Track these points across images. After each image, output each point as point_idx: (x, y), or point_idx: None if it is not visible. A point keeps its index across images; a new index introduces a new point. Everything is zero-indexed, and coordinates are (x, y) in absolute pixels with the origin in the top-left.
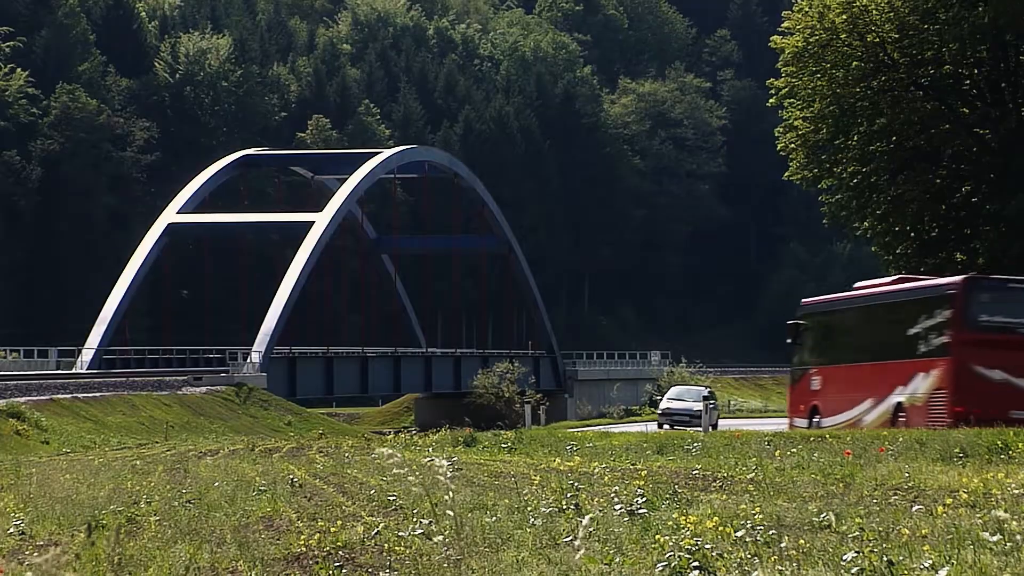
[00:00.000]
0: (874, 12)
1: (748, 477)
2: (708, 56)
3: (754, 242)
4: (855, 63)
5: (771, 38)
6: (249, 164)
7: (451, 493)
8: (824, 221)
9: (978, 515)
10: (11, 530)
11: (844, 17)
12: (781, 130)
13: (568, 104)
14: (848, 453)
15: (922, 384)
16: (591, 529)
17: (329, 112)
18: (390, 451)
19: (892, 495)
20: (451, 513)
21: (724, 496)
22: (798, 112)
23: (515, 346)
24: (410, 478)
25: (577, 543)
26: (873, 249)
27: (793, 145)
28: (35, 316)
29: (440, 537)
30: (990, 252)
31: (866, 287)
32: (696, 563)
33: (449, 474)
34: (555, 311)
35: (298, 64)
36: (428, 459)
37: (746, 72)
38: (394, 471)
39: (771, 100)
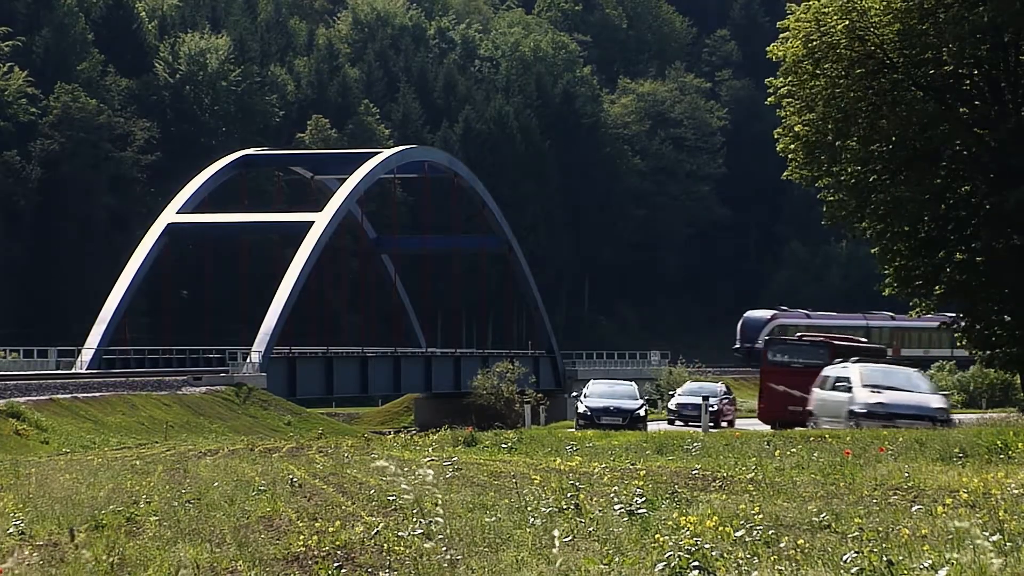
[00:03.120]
0: (872, 14)
1: (748, 477)
2: (708, 56)
3: (754, 242)
4: (855, 67)
5: (768, 47)
6: (249, 164)
7: (439, 500)
8: (823, 221)
9: (978, 515)
10: (11, 530)
11: (843, 22)
12: (781, 131)
13: (568, 104)
14: (848, 453)
15: None
16: (591, 529)
17: (329, 112)
18: (385, 463)
19: (892, 495)
20: (440, 520)
21: (724, 496)
22: (796, 117)
23: (515, 346)
24: (403, 485)
25: (555, 551)
26: (873, 251)
27: (792, 146)
28: (35, 316)
29: (431, 544)
30: (990, 252)
31: None
32: (696, 563)
33: (445, 475)
34: (555, 311)
35: (298, 64)
36: (419, 468)
37: (746, 72)
38: (390, 479)
39: (769, 100)
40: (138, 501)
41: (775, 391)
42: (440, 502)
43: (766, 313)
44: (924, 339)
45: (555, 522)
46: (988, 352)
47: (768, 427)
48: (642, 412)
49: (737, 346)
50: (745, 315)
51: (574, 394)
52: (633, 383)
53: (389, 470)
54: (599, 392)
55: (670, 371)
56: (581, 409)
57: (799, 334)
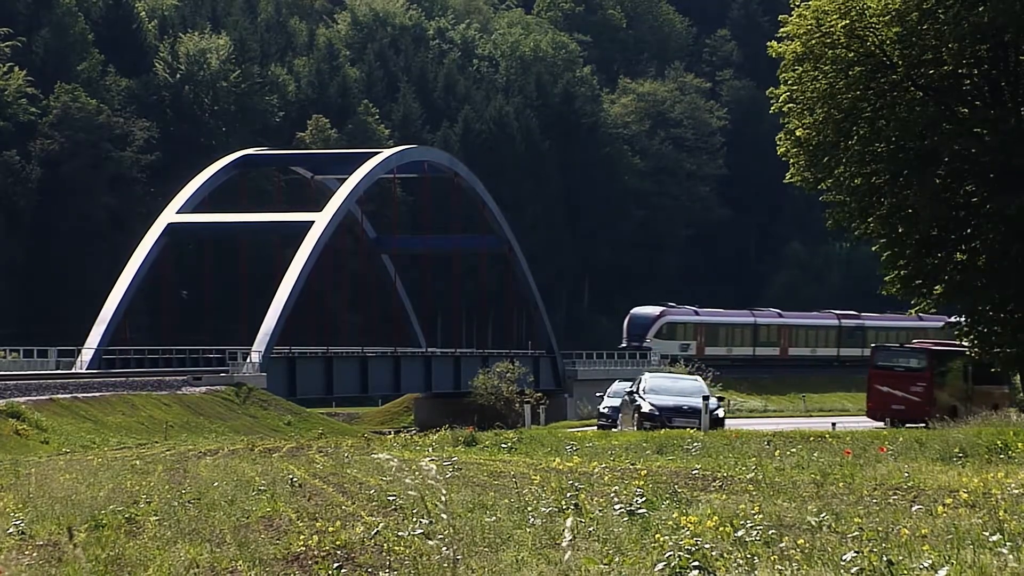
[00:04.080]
0: (872, 15)
1: (748, 477)
2: (708, 56)
3: (754, 242)
4: (854, 66)
5: (768, 43)
6: (249, 164)
7: (444, 496)
8: (828, 223)
9: (978, 515)
10: (11, 530)
11: (843, 22)
12: (782, 136)
13: (568, 104)
14: (848, 453)
15: None
16: (591, 529)
17: (329, 112)
18: (388, 455)
19: (892, 495)
20: (445, 516)
21: (724, 496)
22: (797, 120)
23: (515, 346)
24: (407, 480)
25: (565, 544)
26: (874, 248)
27: (794, 150)
28: (35, 316)
29: (434, 542)
30: (990, 252)
31: None
32: (696, 563)
33: (445, 475)
34: (555, 311)
35: (297, 64)
36: (423, 461)
37: (746, 72)
38: (394, 473)
39: (773, 108)
40: (138, 501)
41: (880, 391)
42: (443, 499)
43: (654, 310)
44: (812, 338)
45: (560, 521)
46: (989, 352)
47: (877, 423)
48: (720, 412)
49: (624, 344)
50: (632, 312)
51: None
52: (699, 378)
53: (392, 463)
54: (662, 388)
55: (670, 369)
56: (646, 408)
57: (902, 342)
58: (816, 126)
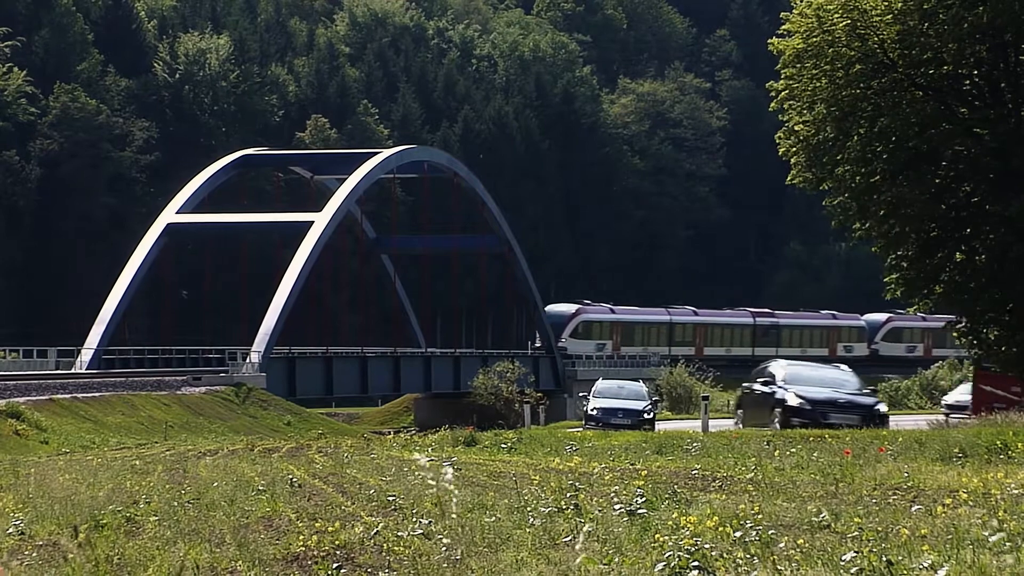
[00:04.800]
0: (874, 14)
1: (747, 477)
2: (707, 56)
3: (753, 242)
4: (855, 65)
5: (769, 40)
6: (248, 164)
7: (454, 497)
8: (832, 223)
9: (977, 515)
10: (10, 530)
11: (844, 20)
12: (782, 135)
13: (567, 104)
14: (848, 453)
15: None
16: (590, 529)
17: (328, 112)
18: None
19: (891, 495)
20: (455, 516)
21: (723, 496)
22: (797, 116)
23: (515, 346)
24: (430, 481)
25: (578, 547)
26: (874, 249)
27: (794, 149)
28: (34, 316)
29: (443, 538)
30: (990, 252)
31: None
32: (695, 563)
33: (450, 475)
34: None
35: (297, 64)
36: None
37: (745, 72)
38: (418, 474)
39: (772, 105)
40: (138, 501)
41: (984, 391)
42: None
43: (569, 307)
44: (727, 337)
45: (560, 521)
46: (988, 353)
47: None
48: (883, 407)
49: (538, 344)
50: (546, 309)
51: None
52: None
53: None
54: (805, 377)
55: (670, 371)
56: (794, 402)
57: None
58: (816, 123)
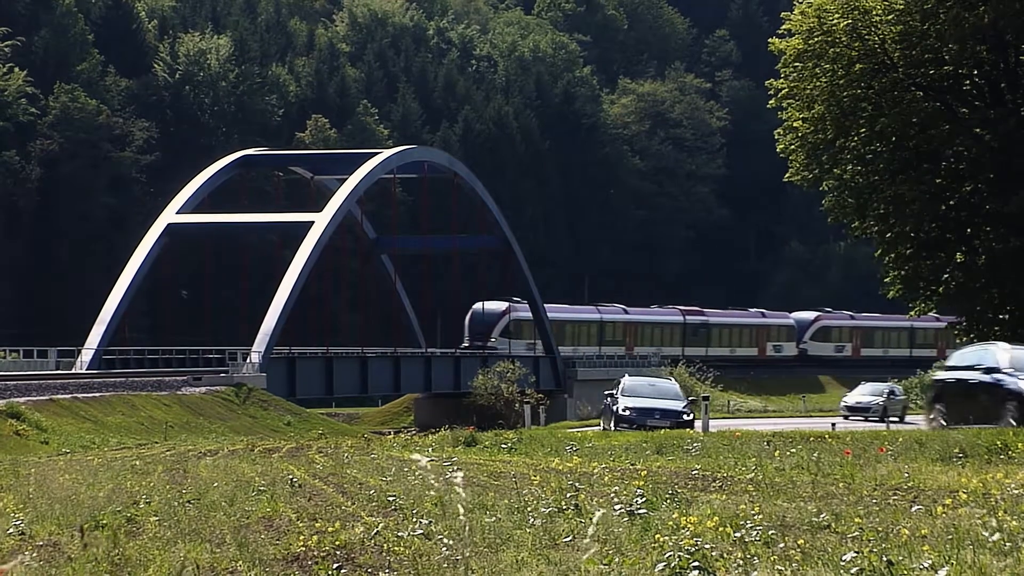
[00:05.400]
0: (875, 14)
1: (748, 477)
2: (707, 56)
3: (753, 242)
4: (855, 64)
5: (769, 39)
6: (248, 164)
7: (462, 501)
8: (829, 219)
9: (977, 515)
10: (10, 530)
11: (845, 21)
12: (781, 132)
13: (568, 104)
14: (848, 453)
15: None
16: (593, 531)
17: (328, 112)
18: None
19: (892, 495)
20: (462, 518)
21: (724, 496)
22: (798, 113)
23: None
24: (436, 485)
25: (586, 541)
26: (877, 253)
27: (793, 147)
28: (34, 316)
29: (443, 539)
30: (990, 252)
31: None
32: (696, 563)
33: (444, 475)
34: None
35: (297, 64)
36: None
37: (745, 72)
38: (419, 475)
39: (771, 102)
40: (138, 501)
41: None
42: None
43: (500, 305)
44: (657, 336)
45: (560, 522)
46: None
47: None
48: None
49: (466, 344)
50: (475, 307)
51: (607, 392)
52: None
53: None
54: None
55: (670, 372)
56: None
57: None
58: (816, 122)
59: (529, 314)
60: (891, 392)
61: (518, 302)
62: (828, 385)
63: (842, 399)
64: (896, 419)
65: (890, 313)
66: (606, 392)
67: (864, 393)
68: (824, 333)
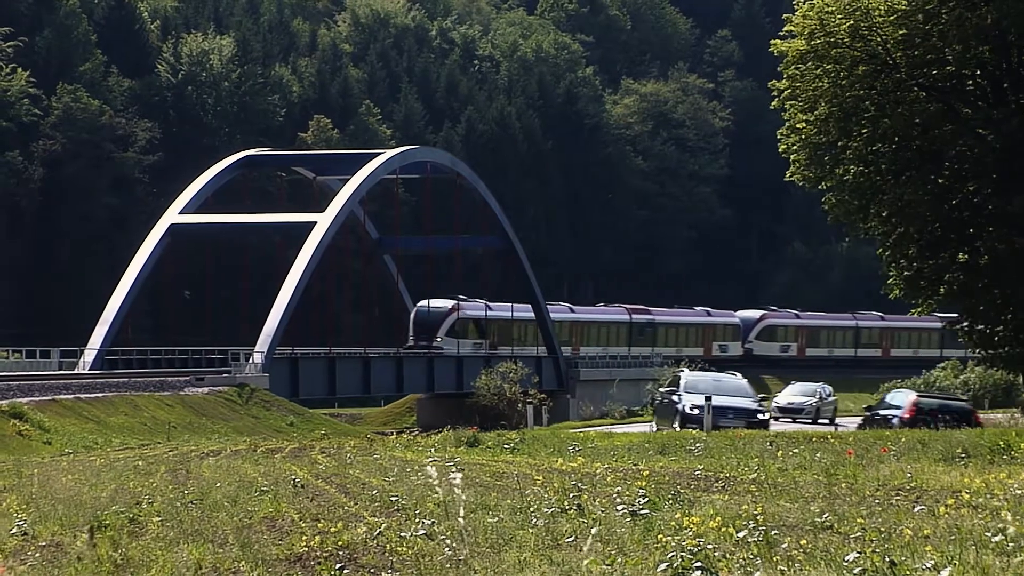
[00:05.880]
0: (876, 15)
1: (750, 478)
2: (710, 57)
3: (756, 242)
4: (858, 66)
5: (771, 41)
6: (251, 164)
7: (462, 501)
8: (829, 219)
9: (980, 516)
10: (13, 530)
11: (847, 22)
12: (784, 132)
13: (570, 104)
14: (851, 453)
15: None
16: (593, 530)
17: (331, 112)
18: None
19: (894, 495)
20: (461, 520)
21: (727, 497)
22: (800, 115)
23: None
24: (437, 487)
25: (585, 549)
26: (879, 251)
27: (795, 147)
28: (37, 316)
29: (446, 539)
30: (992, 252)
31: None
32: (698, 564)
33: (445, 478)
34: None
35: (300, 64)
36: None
37: (747, 73)
38: (420, 475)
39: (774, 103)
40: (141, 502)
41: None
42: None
43: (446, 303)
44: (603, 335)
45: (563, 522)
46: (991, 353)
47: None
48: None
49: (410, 343)
50: (419, 306)
51: (663, 388)
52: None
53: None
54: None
55: (673, 371)
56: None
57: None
58: (818, 123)
59: (479, 312)
60: (822, 393)
61: (466, 300)
62: (773, 386)
63: (773, 400)
64: (826, 420)
65: (895, 313)
66: (661, 389)
67: (795, 394)
68: (769, 332)
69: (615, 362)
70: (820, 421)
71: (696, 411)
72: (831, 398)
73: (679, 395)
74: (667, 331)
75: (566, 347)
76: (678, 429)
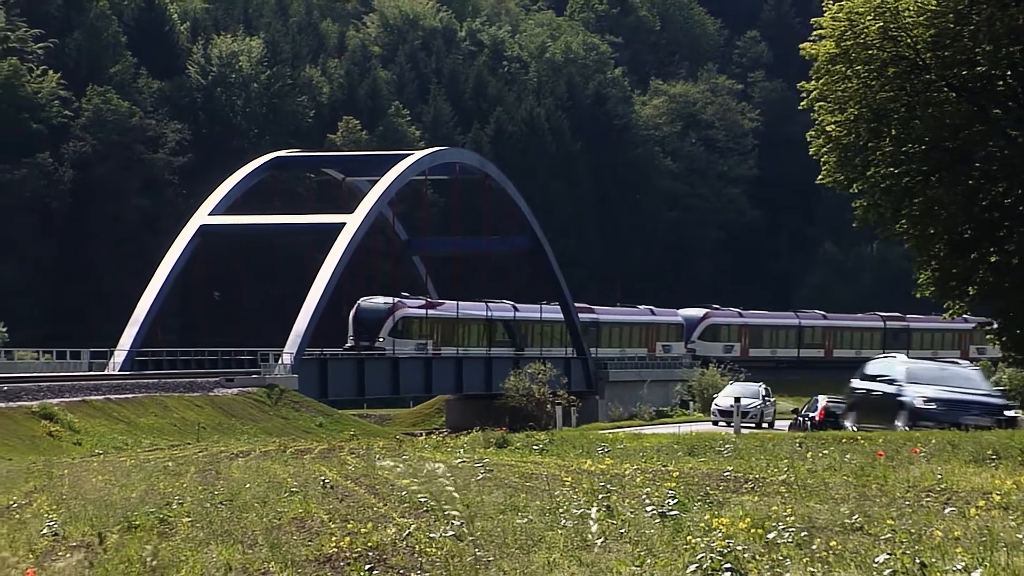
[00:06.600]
0: (906, 16)
1: (780, 479)
2: (739, 57)
3: (786, 243)
4: (888, 67)
5: (801, 45)
6: (280, 166)
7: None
8: (855, 223)
9: (1011, 517)
10: (44, 531)
11: (877, 23)
12: (813, 133)
13: (599, 105)
14: (881, 455)
15: None
16: (622, 531)
17: (360, 114)
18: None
19: (924, 497)
20: (456, 512)
21: (756, 498)
22: (829, 117)
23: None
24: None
25: (594, 528)
26: (907, 246)
27: (825, 149)
28: (67, 318)
29: (468, 538)
30: (1022, 252)
31: None
32: (728, 565)
33: (475, 479)
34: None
35: (329, 66)
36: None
37: (777, 73)
38: (440, 480)
39: (802, 104)
40: (171, 502)
41: None
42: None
43: (387, 302)
44: (547, 335)
45: (591, 522)
46: (1021, 354)
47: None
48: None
49: (350, 343)
50: (359, 304)
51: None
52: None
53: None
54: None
55: (702, 372)
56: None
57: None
58: (848, 125)
59: (422, 311)
60: (765, 394)
61: (408, 298)
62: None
63: (712, 402)
64: (767, 424)
65: (920, 314)
66: (859, 381)
67: (735, 394)
68: (713, 332)
69: (643, 363)
70: (763, 425)
71: (932, 406)
72: (771, 400)
73: (899, 386)
74: (611, 331)
75: (508, 347)
76: (906, 429)
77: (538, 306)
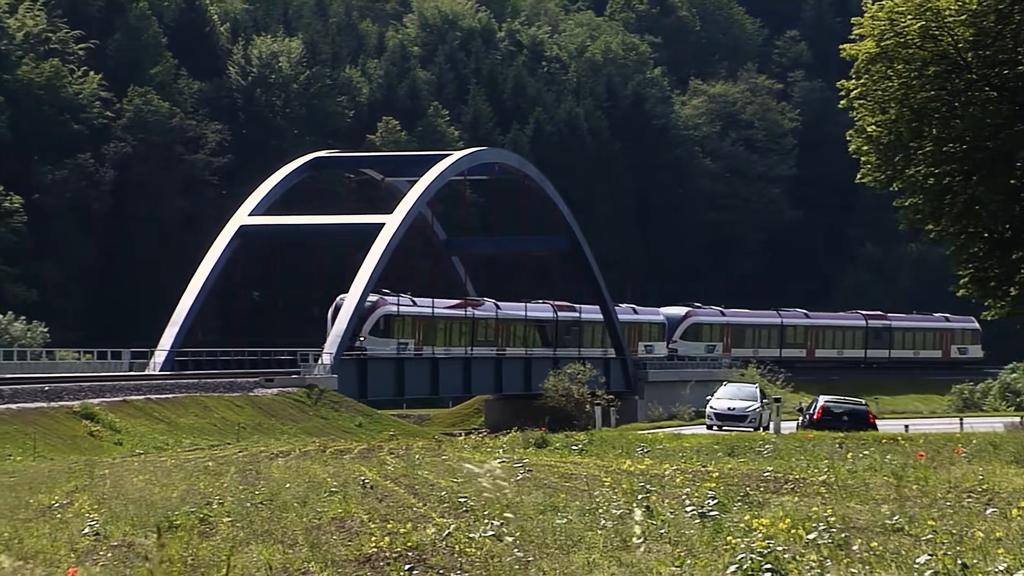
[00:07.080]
0: (947, 15)
1: (820, 479)
2: (778, 57)
3: (824, 244)
4: (928, 66)
5: (841, 46)
6: (320, 166)
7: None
8: (899, 225)
9: None
10: (86, 530)
11: (917, 23)
12: (853, 133)
13: (638, 105)
14: (922, 455)
15: None
16: (662, 531)
17: (399, 114)
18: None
19: (966, 498)
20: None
21: (796, 498)
22: (870, 117)
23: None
24: (484, 484)
25: (637, 516)
26: (950, 250)
27: (865, 148)
28: (108, 318)
29: (508, 538)
30: None
31: None
32: (768, 565)
33: (514, 478)
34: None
35: (368, 66)
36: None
37: (816, 73)
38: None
39: (841, 103)
40: (211, 502)
41: None
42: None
43: (369, 298)
44: (530, 335)
45: (631, 522)
46: None
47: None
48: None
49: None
50: (339, 301)
51: None
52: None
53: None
54: (725, 394)
55: (741, 373)
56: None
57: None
58: (889, 124)
59: (395, 308)
60: (762, 394)
61: (389, 295)
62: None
63: (707, 404)
64: (765, 428)
65: (959, 313)
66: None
67: (733, 397)
68: (695, 331)
69: (683, 364)
70: (767, 429)
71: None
72: (767, 399)
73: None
74: (593, 330)
75: (491, 347)
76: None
77: (518, 304)
